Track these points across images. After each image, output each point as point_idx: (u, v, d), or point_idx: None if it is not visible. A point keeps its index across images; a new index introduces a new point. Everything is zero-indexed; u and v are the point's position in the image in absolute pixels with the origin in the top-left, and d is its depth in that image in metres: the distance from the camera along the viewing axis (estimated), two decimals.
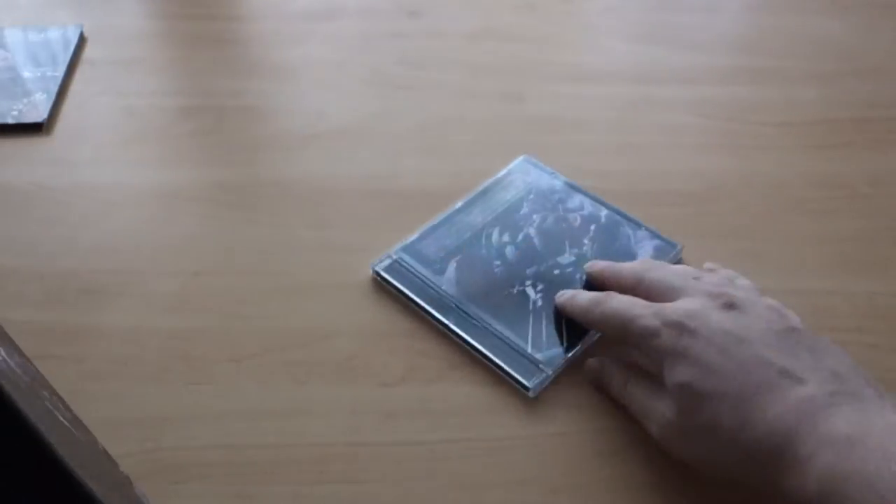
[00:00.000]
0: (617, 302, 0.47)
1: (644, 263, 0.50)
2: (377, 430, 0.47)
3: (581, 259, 0.55)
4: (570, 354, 0.50)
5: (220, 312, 0.53)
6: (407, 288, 0.53)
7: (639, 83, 0.70)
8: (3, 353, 0.28)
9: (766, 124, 0.66)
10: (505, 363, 0.49)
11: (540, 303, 0.52)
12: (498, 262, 0.55)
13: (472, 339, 0.51)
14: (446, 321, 0.51)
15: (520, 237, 0.56)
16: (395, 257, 0.55)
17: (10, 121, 0.66)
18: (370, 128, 0.66)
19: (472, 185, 0.60)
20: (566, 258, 0.55)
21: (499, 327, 0.51)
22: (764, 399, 0.38)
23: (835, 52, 0.73)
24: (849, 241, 0.57)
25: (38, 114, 0.67)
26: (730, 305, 0.43)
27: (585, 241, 0.56)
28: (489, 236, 0.56)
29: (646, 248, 0.55)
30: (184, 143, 0.65)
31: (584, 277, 0.54)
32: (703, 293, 0.44)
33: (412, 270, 0.54)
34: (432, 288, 0.53)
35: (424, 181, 0.61)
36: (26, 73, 0.71)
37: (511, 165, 0.61)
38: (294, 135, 0.65)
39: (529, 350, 0.50)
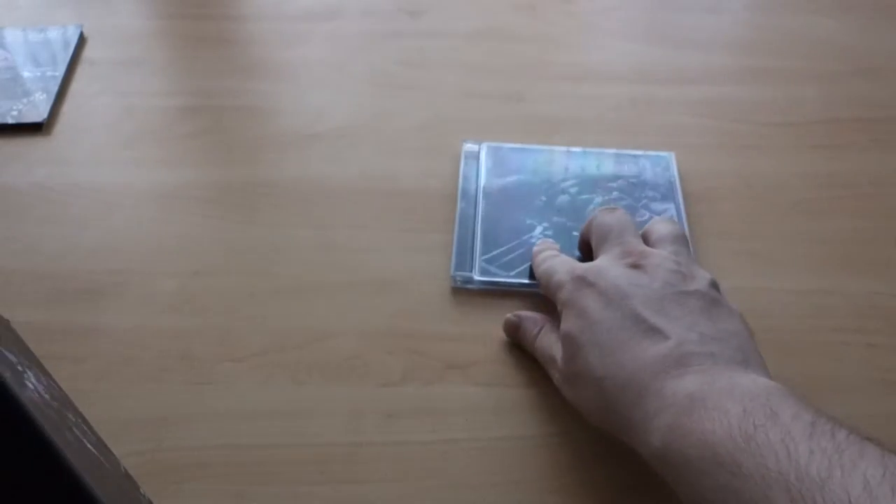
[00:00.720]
0: (552, 261, 0.50)
1: (612, 215, 0.51)
2: (377, 430, 0.47)
3: None
4: (509, 280, 0.53)
5: (220, 312, 0.53)
6: (464, 166, 0.61)
7: (639, 83, 0.70)
8: (32, 380, 0.28)
9: (766, 124, 0.66)
10: (457, 248, 0.55)
11: (533, 240, 0.55)
12: (542, 198, 0.58)
13: (458, 217, 0.57)
14: (459, 195, 0.59)
15: (582, 196, 0.59)
16: (480, 148, 0.62)
17: (10, 121, 0.66)
18: (370, 128, 0.66)
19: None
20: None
21: (482, 227, 0.56)
22: (627, 353, 0.40)
23: (835, 52, 0.73)
24: (849, 241, 0.57)
25: (38, 114, 0.67)
26: (635, 265, 0.45)
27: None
28: (563, 181, 0.60)
29: None
30: (184, 143, 0.65)
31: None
32: (620, 251, 0.47)
33: (479, 161, 0.61)
34: (477, 178, 0.60)
35: (424, 181, 0.61)
36: (26, 73, 0.71)
37: (654, 153, 0.62)
38: (294, 135, 0.65)
39: (480, 256, 0.54)
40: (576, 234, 0.55)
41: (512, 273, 0.54)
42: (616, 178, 0.60)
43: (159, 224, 0.59)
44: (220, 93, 0.69)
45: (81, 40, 0.74)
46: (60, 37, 0.74)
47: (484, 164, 0.60)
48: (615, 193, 0.59)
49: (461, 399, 0.49)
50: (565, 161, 0.61)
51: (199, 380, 0.50)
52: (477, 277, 0.53)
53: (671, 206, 0.58)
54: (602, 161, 0.61)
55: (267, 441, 0.47)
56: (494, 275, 0.54)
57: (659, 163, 0.61)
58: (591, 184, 0.60)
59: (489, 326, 0.52)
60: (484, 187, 0.59)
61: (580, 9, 0.79)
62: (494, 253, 0.55)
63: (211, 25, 0.76)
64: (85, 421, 0.35)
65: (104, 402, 0.48)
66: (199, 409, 0.48)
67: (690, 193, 0.60)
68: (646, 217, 0.57)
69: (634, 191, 0.59)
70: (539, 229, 0.56)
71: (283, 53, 0.73)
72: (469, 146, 0.62)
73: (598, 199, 0.58)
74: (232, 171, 0.62)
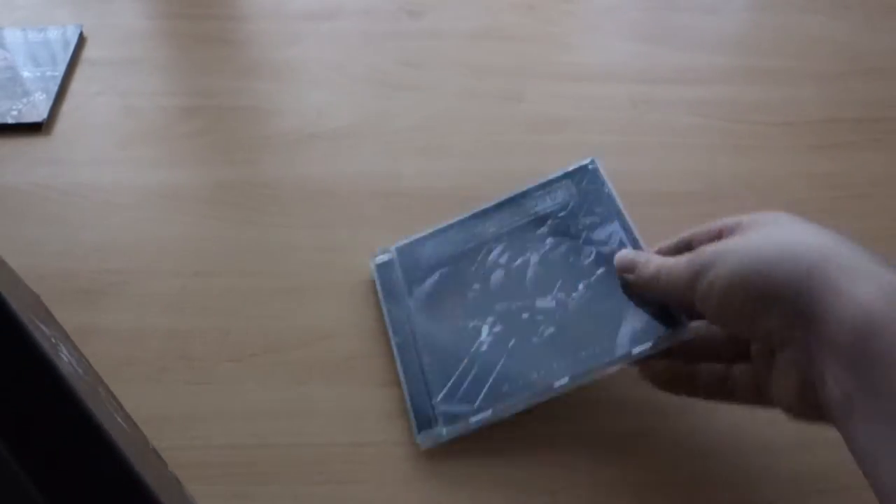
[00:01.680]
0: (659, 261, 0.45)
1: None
2: (377, 430, 0.47)
3: (559, 308, 0.48)
4: (476, 418, 0.45)
5: (220, 312, 0.53)
6: (382, 289, 0.53)
7: (639, 83, 0.70)
8: (65, 353, 0.28)
9: (766, 124, 0.66)
10: (411, 403, 0.47)
11: (485, 347, 0.47)
12: (476, 287, 0.50)
13: (400, 361, 0.49)
14: (391, 332, 0.50)
15: (517, 262, 0.50)
16: (392, 255, 0.54)
17: (10, 121, 0.66)
18: (370, 128, 0.66)
19: (472, 186, 0.60)
20: (545, 302, 0.48)
21: (426, 360, 0.48)
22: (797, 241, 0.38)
23: (836, 52, 0.73)
24: None
25: (38, 114, 0.67)
26: None
27: (579, 287, 0.48)
28: (488, 252, 0.51)
29: (629, 326, 0.46)
30: (183, 143, 0.65)
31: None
32: None
33: (394, 274, 0.52)
34: (401, 297, 0.51)
35: (424, 181, 0.61)
36: (26, 73, 0.71)
37: (572, 167, 0.53)
38: (294, 135, 0.65)
39: (437, 399, 0.46)
40: (526, 315, 0.48)
41: (476, 403, 0.46)
42: (543, 219, 0.52)
43: (159, 224, 0.59)
44: (220, 93, 0.69)
45: (81, 40, 0.74)
46: (60, 37, 0.74)
47: (400, 274, 0.52)
48: (549, 241, 0.50)
49: None
50: (480, 227, 0.53)
51: (199, 380, 0.50)
52: (445, 432, 0.46)
53: (615, 225, 0.49)
54: (518, 206, 0.53)
55: (267, 441, 0.47)
56: (460, 417, 0.46)
57: (583, 177, 0.52)
58: (518, 241, 0.51)
59: None
60: (412, 302, 0.51)
61: (580, 9, 0.79)
62: (451, 383, 0.47)
63: (211, 25, 0.76)
64: (114, 396, 0.35)
65: None
66: (199, 409, 0.48)
67: (690, 193, 0.60)
68: (591, 256, 0.49)
69: (570, 226, 0.50)
70: (485, 331, 0.48)
71: (283, 53, 0.73)
72: (380, 258, 0.54)
73: (535, 258, 0.50)
74: (232, 171, 0.62)
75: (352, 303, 0.54)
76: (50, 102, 0.68)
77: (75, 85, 0.70)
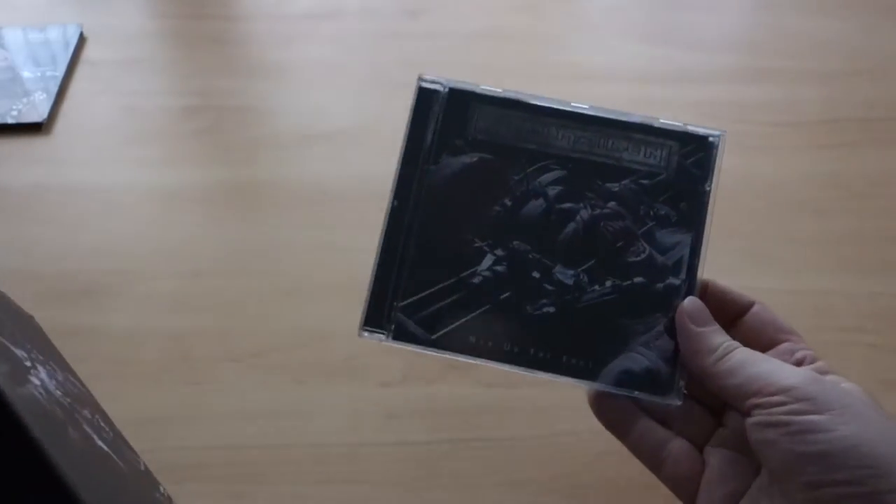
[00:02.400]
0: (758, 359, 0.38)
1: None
2: (377, 430, 0.47)
3: (573, 292, 0.40)
4: (426, 350, 0.39)
5: (220, 312, 0.53)
6: (411, 124, 0.43)
7: (640, 83, 0.70)
8: (42, 376, 0.27)
9: (767, 124, 0.66)
10: (373, 288, 0.40)
11: (477, 279, 0.39)
12: (506, 203, 0.41)
13: (385, 232, 0.41)
14: (393, 188, 0.42)
15: (564, 205, 0.41)
16: (442, 91, 0.43)
17: (10, 121, 0.66)
18: (370, 128, 0.66)
19: None
20: (564, 275, 0.40)
21: (412, 253, 0.40)
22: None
23: (837, 53, 0.73)
24: (849, 242, 0.57)
25: (38, 114, 0.67)
26: None
27: (606, 283, 0.40)
28: (542, 170, 0.41)
29: (625, 363, 0.39)
30: (184, 143, 0.65)
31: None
32: None
33: (430, 118, 0.43)
34: (423, 155, 0.42)
35: None
36: (26, 73, 0.70)
37: (693, 129, 0.42)
38: (294, 135, 0.65)
39: (400, 303, 0.40)
40: (536, 275, 0.40)
41: (434, 335, 0.39)
42: (621, 172, 0.41)
43: (159, 224, 0.59)
44: (220, 93, 0.69)
45: (81, 40, 0.74)
46: (60, 37, 0.74)
47: (441, 121, 0.42)
48: (612, 205, 0.41)
49: (461, 399, 0.48)
50: (552, 129, 0.42)
51: (199, 380, 0.50)
52: (390, 341, 0.39)
53: (686, 239, 0.40)
54: (608, 135, 0.42)
55: (267, 441, 0.47)
56: (411, 337, 0.39)
57: (695, 151, 0.41)
58: (581, 180, 0.41)
59: None
60: (430, 172, 0.41)
61: (581, 9, 0.79)
62: (423, 295, 0.40)
63: (211, 25, 0.76)
64: (105, 418, 0.34)
65: (104, 402, 0.48)
66: (199, 409, 0.48)
67: None
68: (640, 256, 0.40)
69: (642, 203, 0.41)
70: (487, 262, 0.40)
71: (283, 53, 0.73)
72: (427, 84, 0.44)
73: (586, 215, 0.40)
74: (232, 171, 0.62)
75: (352, 303, 0.54)
76: (50, 102, 0.68)
77: (75, 85, 0.70)
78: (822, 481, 0.33)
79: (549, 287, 0.40)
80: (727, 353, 0.37)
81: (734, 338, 0.38)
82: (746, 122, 0.66)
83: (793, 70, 0.71)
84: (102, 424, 0.34)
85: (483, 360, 0.39)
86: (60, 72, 0.70)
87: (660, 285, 0.39)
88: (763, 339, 0.39)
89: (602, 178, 0.41)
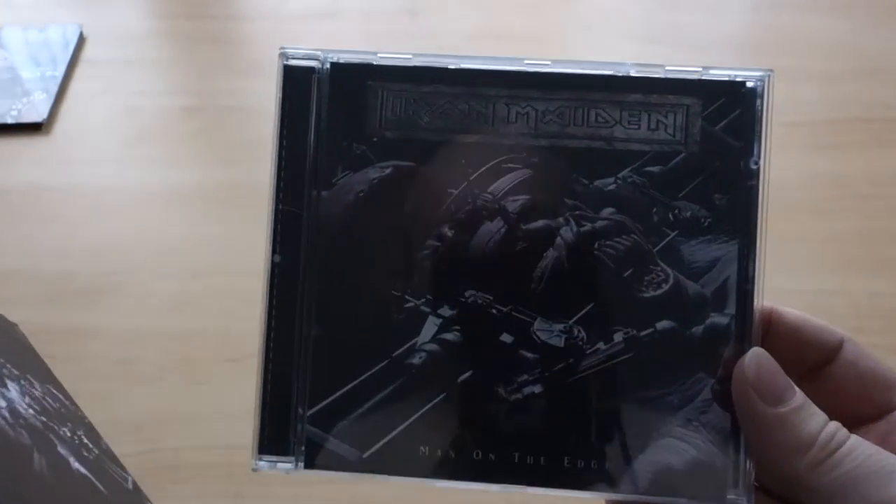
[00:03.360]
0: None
1: None
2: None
3: (564, 357, 0.27)
4: (354, 475, 0.28)
5: (220, 312, 0.53)
6: (279, 132, 0.28)
7: None
8: (13, 393, 0.26)
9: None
10: (264, 394, 0.29)
11: (419, 359, 0.27)
12: (445, 233, 0.27)
13: (268, 304, 0.27)
14: (269, 240, 0.28)
15: (533, 225, 0.27)
16: (321, 72, 0.29)
17: (10, 121, 0.66)
18: None
19: None
20: (548, 333, 0.27)
21: (315, 332, 0.27)
22: None
23: (837, 52, 0.73)
24: (849, 241, 0.57)
25: (38, 114, 0.67)
26: None
27: (615, 337, 0.27)
28: (494, 175, 0.27)
29: (659, 456, 0.26)
30: (184, 143, 0.65)
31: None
32: None
33: (307, 116, 0.28)
34: (305, 178, 0.28)
35: None
36: (26, 73, 0.70)
37: (715, 75, 0.31)
38: None
39: (307, 411, 0.28)
40: (507, 339, 0.27)
41: (366, 452, 0.27)
42: (618, 160, 0.27)
43: (159, 224, 0.59)
44: (220, 93, 0.69)
45: (81, 40, 0.74)
46: (60, 36, 0.74)
47: (326, 118, 0.28)
48: (607, 212, 0.27)
49: None
50: (500, 111, 0.27)
51: (199, 380, 0.50)
52: (300, 471, 0.28)
53: (733, 249, 0.27)
54: (585, 103, 0.27)
55: None
56: (329, 457, 0.28)
57: (726, 110, 0.28)
58: (559, 179, 0.27)
59: None
60: (323, 202, 0.27)
61: (580, 9, 0.78)
62: (340, 394, 0.27)
63: (211, 25, 0.76)
64: (89, 433, 0.33)
65: (104, 402, 0.48)
66: (199, 409, 0.48)
67: None
68: (664, 287, 0.27)
69: (654, 205, 0.27)
70: (429, 329, 0.27)
71: None
72: (296, 61, 0.29)
73: (569, 235, 0.27)
74: (232, 171, 0.62)
75: None
76: (50, 102, 0.67)
77: (75, 85, 0.70)
78: None
79: (529, 355, 0.27)
80: (832, 453, 0.24)
81: (820, 403, 0.25)
82: None
83: (792, 70, 0.71)
84: (86, 441, 0.31)
85: (444, 480, 0.27)
86: (60, 72, 0.70)
87: (698, 329, 0.26)
88: (864, 403, 0.27)
89: (588, 174, 0.27)
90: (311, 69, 0.28)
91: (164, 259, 0.56)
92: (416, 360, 0.27)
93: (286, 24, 0.76)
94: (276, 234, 0.27)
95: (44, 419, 0.28)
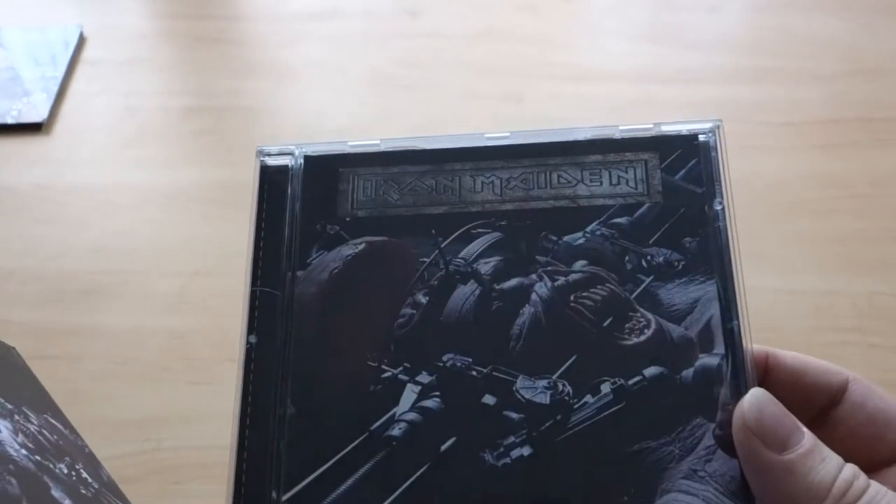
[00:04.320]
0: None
1: None
2: None
3: (553, 413, 0.26)
4: None
5: (220, 312, 0.53)
6: (258, 226, 0.33)
7: (639, 83, 0.70)
8: (5, 433, 0.25)
9: (767, 124, 0.66)
10: (237, 475, 0.27)
11: (398, 430, 0.26)
12: (419, 299, 0.27)
13: (243, 385, 0.29)
14: (245, 321, 0.31)
15: (507, 284, 0.27)
16: (294, 163, 0.32)
17: (10, 121, 0.66)
18: (370, 128, 0.66)
19: None
20: (532, 391, 0.26)
21: (290, 410, 0.27)
22: None
23: (837, 52, 0.73)
24: (849, 241, 0.57)
25: (38, 114, 0.67)
26: None
27: (603, 388, 0.26)
28: (464, 240, 0.28)
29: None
30: (184, 143, 0.65)
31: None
32: None
33: (284, 210, 0.31)
34: (281, 263, 0.31)
35: None
36: (26, 73, 0.70)
37: (668, 129, 0.29)
38: (294, 135, 0.65)
39: (282, 496, 0.26)
40: (490, 401, 0.26)
41: None
42: (583, 216, 0.28)
43: (159, 224, 0.59)
44: (220, 93, 0.69)
45: (81, 40, 0.74)
46: (60, 37, 0.74)
47: (301, 205, 0.30)
48: (579, 265, 0.27)
49: None
50: (465, 181, 0.28)
51: (199, 380, 0.50)
52: None
53: (711, 289, 0.27)
54: (547, 168, 0.28)
55: None
56: None
57: (684, 160, 0.28)
58: (529, 238, 0.28)
59: None
60: (299, 282, 0.29)
61: (580, 9, 0.79)
62: (318, 474, 0.26)
63: (211, 25, 0.76)
64: (90, 466, 0.32)
65: (104, 402, 0.48)
66: (199, 409, 0.48)
67: None
68: (646, 333, 0.26)
69: (626, 254, 0.27)
70: (408, 398, 0.26)
71: (282, 53, 0.73)
72: (272, 159, 0.32)
73: (545, 291, 0.27)
74: (232, 171, 0.62)
75: None
76: (50, 102, 0.67)
77: (75, 85, 0.70)
78: None
79: (515, 415, 0.26)
80: (851, 503, 0.21)
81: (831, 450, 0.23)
82: (745, 121, 0.66)
83: (793, 70, 0.71)
84: (84, 476, 0.30)
85: None
86: (60, 72, 0.70)
87: (687, 372, 0.25)
88: (879, 446, 0.25)
89: (556, 231, 0.27)
90: (286, 167, 0.30)
91: (164, 259, 0.56)
92: (395, 432, 0.26)
93: (286, 24, 0.76)
94: (253, 315, 0.29)
95: (38, 458, 0.27)
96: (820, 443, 0.23)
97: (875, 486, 0.22)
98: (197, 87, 0.70)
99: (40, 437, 0.29)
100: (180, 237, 0.58)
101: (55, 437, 0.31)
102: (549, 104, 0.68)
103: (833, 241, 0.57)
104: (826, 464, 0.22)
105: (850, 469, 0.22)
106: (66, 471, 0.29)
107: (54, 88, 0.69)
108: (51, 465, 0.28)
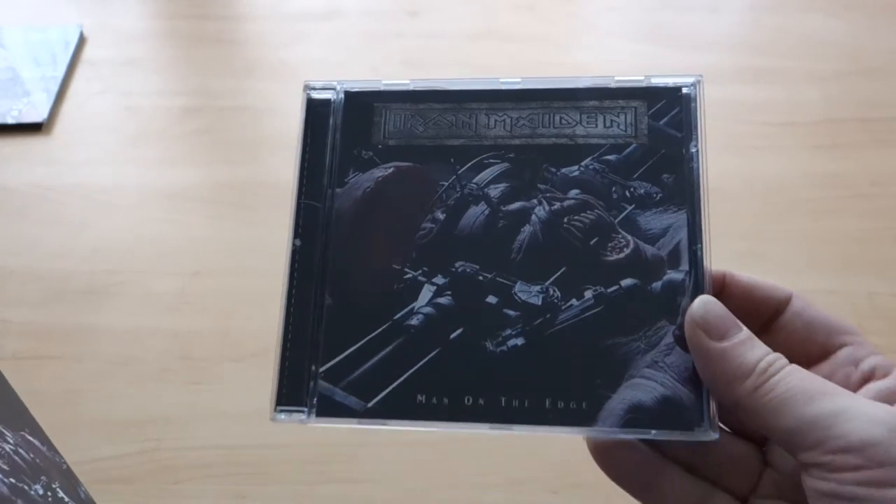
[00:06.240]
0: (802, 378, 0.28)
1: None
2: (377, 430, 0.47)
3: (543, 313, 0.31)
4: (360, 424, 0.31)
5: (220, 312, 0.53)
6: (303, 147, 0.37)
7: None
8: None
9: (767, 124, 0.66)
10: (284, 355, 0.32)
11: (416, 320, 0.31)
12: (437, 216, 0.33)
13: (289, 280, 0.34)
14: (291, 227, 0.35)
15: (512, 206, 0.33)
16: (336, 98, 0.36)
17: (10, 121, 0.66)
18: None
19: None
20: (528, 293, 0.32)
21: (328, 301, 0.33)
22: None
23: (837, 52, 0.73)
24: (849, 241, 0.57)
25: (38, 114, 0.67)
26: None
27: (586, 294, 0.31)
28: (477, 168, 0.33)
29: (631, 393, 0.30)
30: (184, 143, 0.65)
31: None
32: None
33: (327, 133, 0.36)
34: (324, 179, 0.35)
35: None
36: (26, 73, 0.70)
37: (656, 82, 0.34)
38: (293, 135, 0.65)
39: (320, 367, 0.32)
40: (492, 300, 0.31)
41: (371, 402, 0.31)
42: (579, 151, 0.33)
43: (159, 224, 0.59)
44: (220, 93, 0.69)
45: (81, 40, 0.74)
46: (60, 37, 0.74)
47: (341, 133, 0.35)
48: (573, 194, 0.32)
49: None
50: (481, 118, 0.34)
51: (199, 380, 0.50)
52: (313, 420, 0.31)
53: (681, 218, 0.32)
54: (551, 111, 0.33)
55: (267, 441, 0.47)
56: (339, 409, 0.31)
57: (668, 108, 0.33)
58: (528, 171, 0.33)
59: None
60: (337, 197, 0.34)
61: (580, 9, 0.79)
62: (349, 353, 0.31)
63: (211, 25, 0.76)
64: (67, 482, 0.31)
65: (104, 402, 0.48)
66: (199, 409, 0.48)
67: None
68: (624, 251, 0.32)
69: (613, 186, 0.32)
70: (426, 295, 0.32)
71: (282, 53, 0.73)
72: (317, 93, 0.36)
73: (542, 213, 0.32)
74: (232, 171, 0.62)
75: None
76: (50, 102, 0.68)
77: (75, 85, 0.70)
78: None
79: (512, 313, 0.31)
80: (769, 379, 0.26)
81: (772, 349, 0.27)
82: (745, 121, 0.66)
83: (793, 70, 0.71)
84: (61, 495, 0.30)
85: (439, 423, 0.30)
86: (60, 72, 0.70)
87: (656, 284, 0.31)
88: (812, 347, 0.30)
89: (556, 164, 0.33)
90: (328, 100, 0.36)
91: (164, 259, 0.56)
92: (414, 322, 0.31)
93: (286, 24, 0.76)
94: (298, 223, 0.35)
95: (12, 481, 0.27)
96: (754, 337, 0.28)
97: (791, 366, 0.27)
98: (197, 87, 0.70)
99: (16, 457, 0.29)
100: (180, 237, 0.58)
101: (31, 455, 0.30)
102: None
103: (833, 241, 0.57)
104: (755, 351, 0.27)
105: (774, 356, 0.27)
106: (41, 492, 0.29)
107: (54, 88, 0.69)
108: (25, 487, 0.28)
